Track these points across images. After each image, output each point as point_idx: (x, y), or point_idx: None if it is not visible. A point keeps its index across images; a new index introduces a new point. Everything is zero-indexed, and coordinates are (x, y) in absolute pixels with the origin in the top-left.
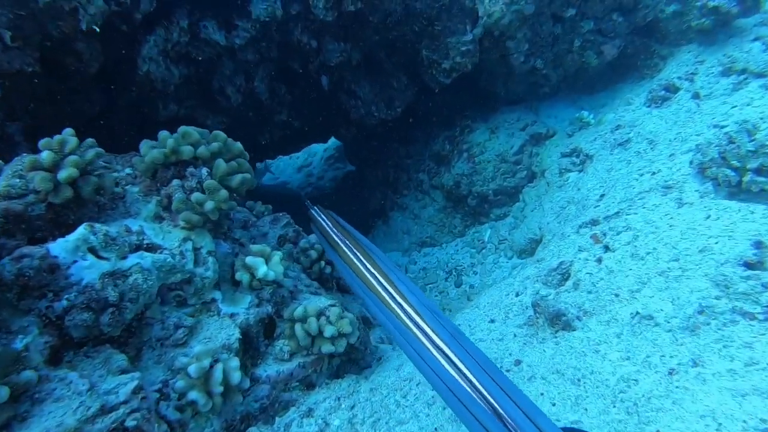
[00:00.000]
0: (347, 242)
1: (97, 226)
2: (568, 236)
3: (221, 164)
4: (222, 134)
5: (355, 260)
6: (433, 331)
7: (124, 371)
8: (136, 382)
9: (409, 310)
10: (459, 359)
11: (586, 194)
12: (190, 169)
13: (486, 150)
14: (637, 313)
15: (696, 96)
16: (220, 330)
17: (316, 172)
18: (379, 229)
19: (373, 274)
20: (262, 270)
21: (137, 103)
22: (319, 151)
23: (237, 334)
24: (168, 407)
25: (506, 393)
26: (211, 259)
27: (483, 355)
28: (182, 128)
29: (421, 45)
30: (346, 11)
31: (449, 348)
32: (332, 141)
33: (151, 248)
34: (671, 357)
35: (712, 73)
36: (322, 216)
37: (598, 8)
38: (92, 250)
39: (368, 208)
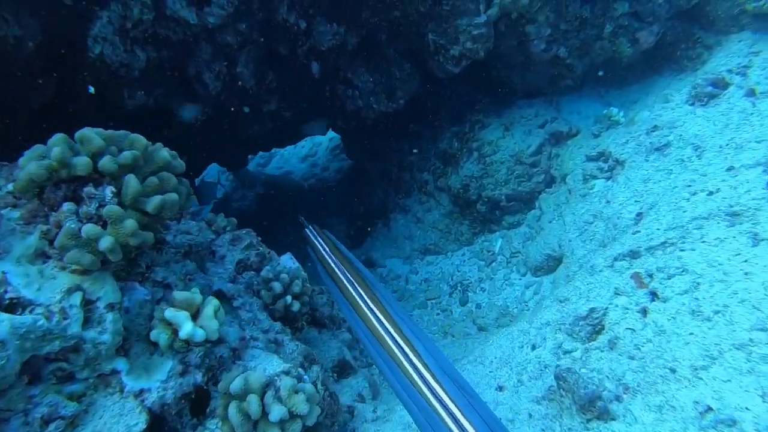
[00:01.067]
0: (344, 270)
1: None
2: (600, 271)
3: (132, 182)
4: (141, 139)
5: (353, 293)
6: (442, 389)
7: None
8: None
9: (415, 361)
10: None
11: (618, 210)
12: (88, 189)
13: (499, 149)
14: (709, 408)
15: (751, 93)
16: (119, 417)
17: (320, 163)
18: (379, 232)
19: (374, 312)
20: (186, 328)
21: (98, 92)
22: (324, 140)
23: (142, 423)
24: None
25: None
26: (110, 315)
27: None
28: (81, 132)
29: (426, 28)
30: None
31: (464, 416)
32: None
33: (16, 305)
34: None
35: None
36: (319, 238)
37: None
38: None
39: (370, 206)
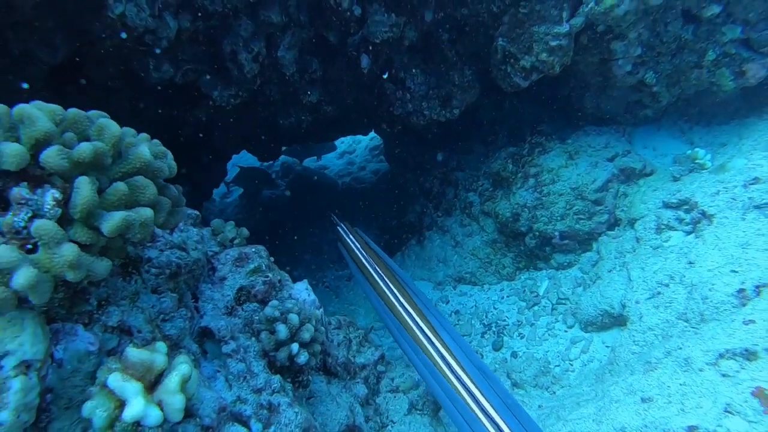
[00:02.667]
0: (377, 268)
1: None
2: (700, 370)
3: (84, 188)
4: (112, 126)
5: (387, 292)
6: (481, 394)
7: None
8: None
9: (454, 364)
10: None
11: (709, 278)
12: (18, 191)
13: (559, 179)
14: None
15: None
16: None
17: (358, 161)
18: (412, 250)
19: (408, 311)
20: (134, 408)
21: (122, 57)
22: (364, 138)
23: None
24: None
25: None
26: (17, 382)
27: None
28: (21, 107)
29: (497, 31)
30: None
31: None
32: None
33: None
34: None
35: None
36: (350, 235)
37: (754, 8)
38: None
39: (403, 219)
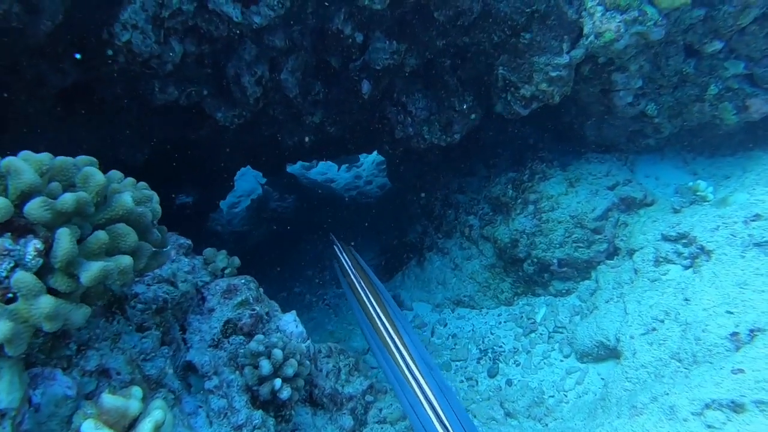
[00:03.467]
0: (364, 286)
1: None
2: (684, 420)
3: (64, 240)
4: (96, 176)
5: (369, 307)
6: (428, 387)
7: None
8: None
9: (414, 368)
10: (444, 414)
11: (703, 318)
12: (3, 242)
13: (559, 206)
14: None
15: None
16: None
17: (365, 175)
18: (412, 271)
19: (385, 326)
20: None
21: (129, 79)
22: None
23: None
24: None
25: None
26: None
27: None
28: (9, 160)
29: (498, 60)
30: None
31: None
32: None
33: None
34: None
35: None
36: (344, 255)
37: (757, 44)
38: None
39: (404, 239)
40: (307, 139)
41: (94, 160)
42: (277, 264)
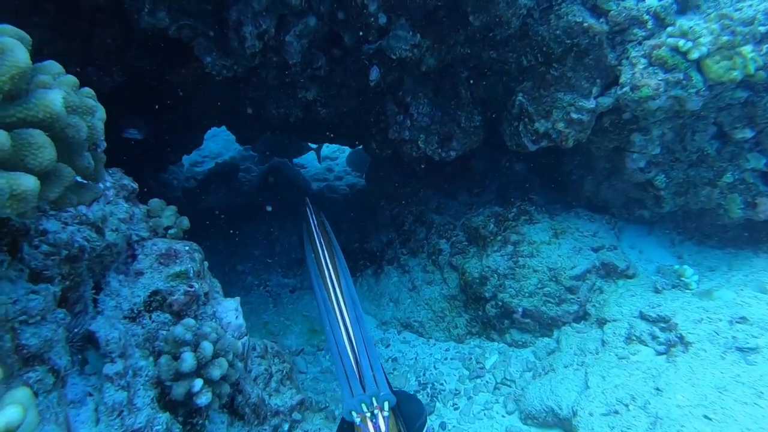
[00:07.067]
0: (322, 242)
1: None
2: None
3: None
4: (18, 53)
5: (321, 256)
6: (347, 312)
7: None
8: None
9: (341, 299)
10: (354, 335)
11: (677, 415)
12: None
13: (539, 254)
14: None
15: None
16: None
17: (336, 170)
18: (366, 280)
19: (329, 269)
20: None
21: None
22: (349, 148)
23: None
24: None
25: (369, 358)
26: None
27: (369, 335)
28: None
29: (520, 86)
30: None
31: (351, 328)
32: None
33: None
34: None
35: None
36: (313, 216)
37: None
38: None
39: (365, 246)
40: (293, 115)
41: (26, 36)
42: (225, 236)
